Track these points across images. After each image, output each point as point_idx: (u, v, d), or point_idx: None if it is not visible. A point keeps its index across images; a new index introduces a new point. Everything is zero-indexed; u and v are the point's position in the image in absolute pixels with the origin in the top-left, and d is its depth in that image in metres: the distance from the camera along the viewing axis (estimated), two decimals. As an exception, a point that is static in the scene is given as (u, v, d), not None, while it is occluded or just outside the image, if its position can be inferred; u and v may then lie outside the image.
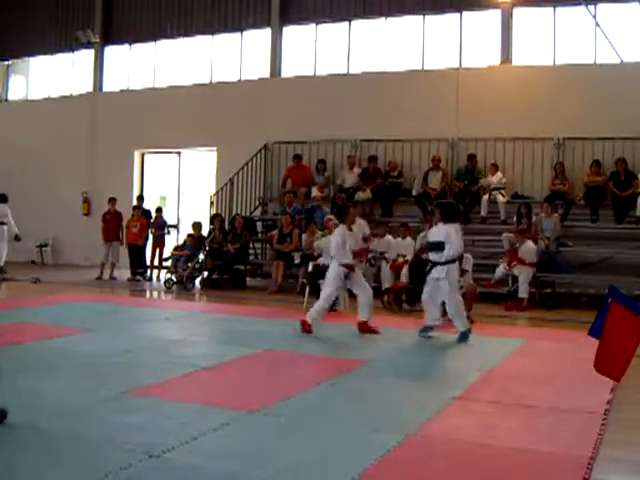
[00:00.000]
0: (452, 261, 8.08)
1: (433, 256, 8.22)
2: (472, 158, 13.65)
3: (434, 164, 13.70)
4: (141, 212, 15.39)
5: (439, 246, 8.07)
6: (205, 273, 13.91)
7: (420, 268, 11.85)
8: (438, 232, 8.23)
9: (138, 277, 15.08)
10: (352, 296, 11.44)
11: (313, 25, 16.41)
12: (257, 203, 15.71)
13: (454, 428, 4.65)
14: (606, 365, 5.79)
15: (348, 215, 8.74)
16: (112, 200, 15.50)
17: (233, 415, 4.80)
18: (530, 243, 11.54)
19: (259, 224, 15.27)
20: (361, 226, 12.50)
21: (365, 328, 8.40)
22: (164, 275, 14.52)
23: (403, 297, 10.67)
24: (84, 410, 4.85)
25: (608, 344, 5.74)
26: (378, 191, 13.97)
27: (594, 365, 5.80)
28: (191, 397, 5.32)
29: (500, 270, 11.50)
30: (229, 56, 17.40)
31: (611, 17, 13.68)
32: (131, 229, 15.12)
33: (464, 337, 8.04)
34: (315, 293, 10.77)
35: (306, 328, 8.35)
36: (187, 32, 17.83)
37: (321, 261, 11.01)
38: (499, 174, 13.44)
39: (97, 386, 5.51)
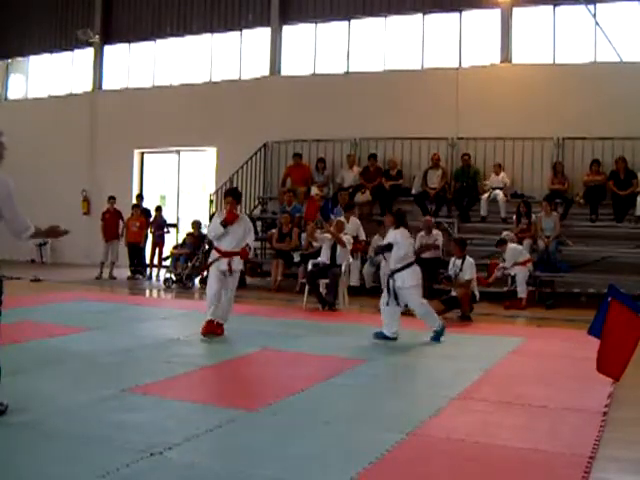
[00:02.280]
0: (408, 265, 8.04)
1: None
2: (465, 156, 13.62)
3: (433, 162, 13.68)
4: (140, 211, 15.39)
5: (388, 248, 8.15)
6: (205, 272, 13.88)
7: (419, 267, 11.92)
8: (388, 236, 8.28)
9: (138, 276, 15.09)
10: (353, 295, 11.50)
11: (313, 24, 16.39)
12: (257, 202, 15.71)
13: (454, 427, 4.65)
14: (606, 364, 5.80)
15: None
16: (111, 199, 15.49)
17: (232, 414, 4.81)
18: (513, 245, 11.49)
19: (259, 223, 15.26)
20: (355, 225, 12.58)
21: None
22: (163, 274, 14.53)
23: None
24: (84, 409, 4.85)
25: (608, 343, 5.75)
26: (378, 191, 13.96)
27: (597, 365, 5.81)
28: (191, 396, 5.32)
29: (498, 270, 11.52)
30: (229, 55, 17.39)
31: (611, 16, 13.67)
32: (131, 228, 15.11)
33: (439, 335, 7.96)
34: (315, 292, 10.80)
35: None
36: (186, 31, 17.80)
37: (320, 260, 11.03)
38: (503, 175, 13.36)
39: (97, 385, 5.52)
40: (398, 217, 8.20)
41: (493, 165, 13.56)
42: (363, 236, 12.63)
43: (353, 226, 12.41)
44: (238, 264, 8.14)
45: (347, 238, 11.31)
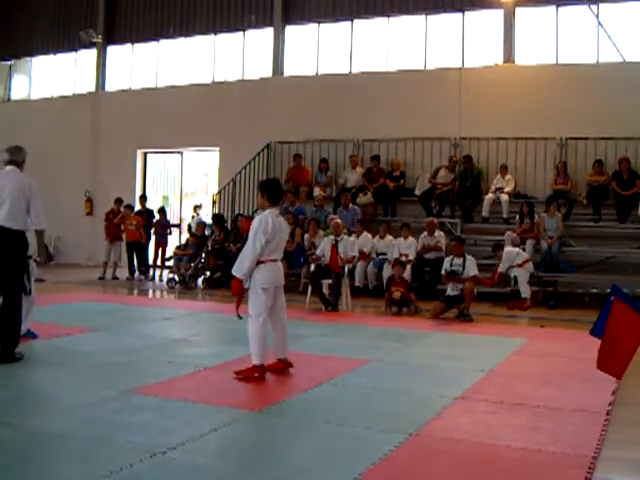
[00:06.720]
0: None
1: None
2: (466, 158, 13.58)
3: (450, 165, 13.63)
4: (135, 211, 15.27)
5: None
6: (207, 273, 13.91)
7: (422, 267, 11.95)
8: None
9: (140, 276, 15.03)
10: (354, 295, 11.49)
11: (315, 24, 16.41)
12: (259, 202, 15.69)
13: (457, 428, 4.64)
14: (607, 362, 5.80)
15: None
16: (118, 201, 15.37)
17: (235, 414, 4.81)
18: (509, 249, 11.44)
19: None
20: (366, 240, 12.50)
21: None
22: (166, 275, 14.53)
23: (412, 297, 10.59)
24: (87, 409, 4.86)
25: (610, 341, 5.75)
26: (380, 192, 13.94)
27: (597, 363, 5.81)
28: (194, 396, 5.32)
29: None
30: (231, 56, 17.41)
31: (614, 16, 13.66)
32: (128, 227, 15.00)
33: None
34: (318, 292, 10.80)
35: None
36: (189, 32, 17.84)
37: (323, 261, 11.01)
38: (509, 177, 13.31)
39: (100, 385, 5.52)
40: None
41: (499, 166, 13.50)
42: (367, 250, 12.48)
43: (362, 240, 12.37)
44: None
45: (352, 240, 11.34)
